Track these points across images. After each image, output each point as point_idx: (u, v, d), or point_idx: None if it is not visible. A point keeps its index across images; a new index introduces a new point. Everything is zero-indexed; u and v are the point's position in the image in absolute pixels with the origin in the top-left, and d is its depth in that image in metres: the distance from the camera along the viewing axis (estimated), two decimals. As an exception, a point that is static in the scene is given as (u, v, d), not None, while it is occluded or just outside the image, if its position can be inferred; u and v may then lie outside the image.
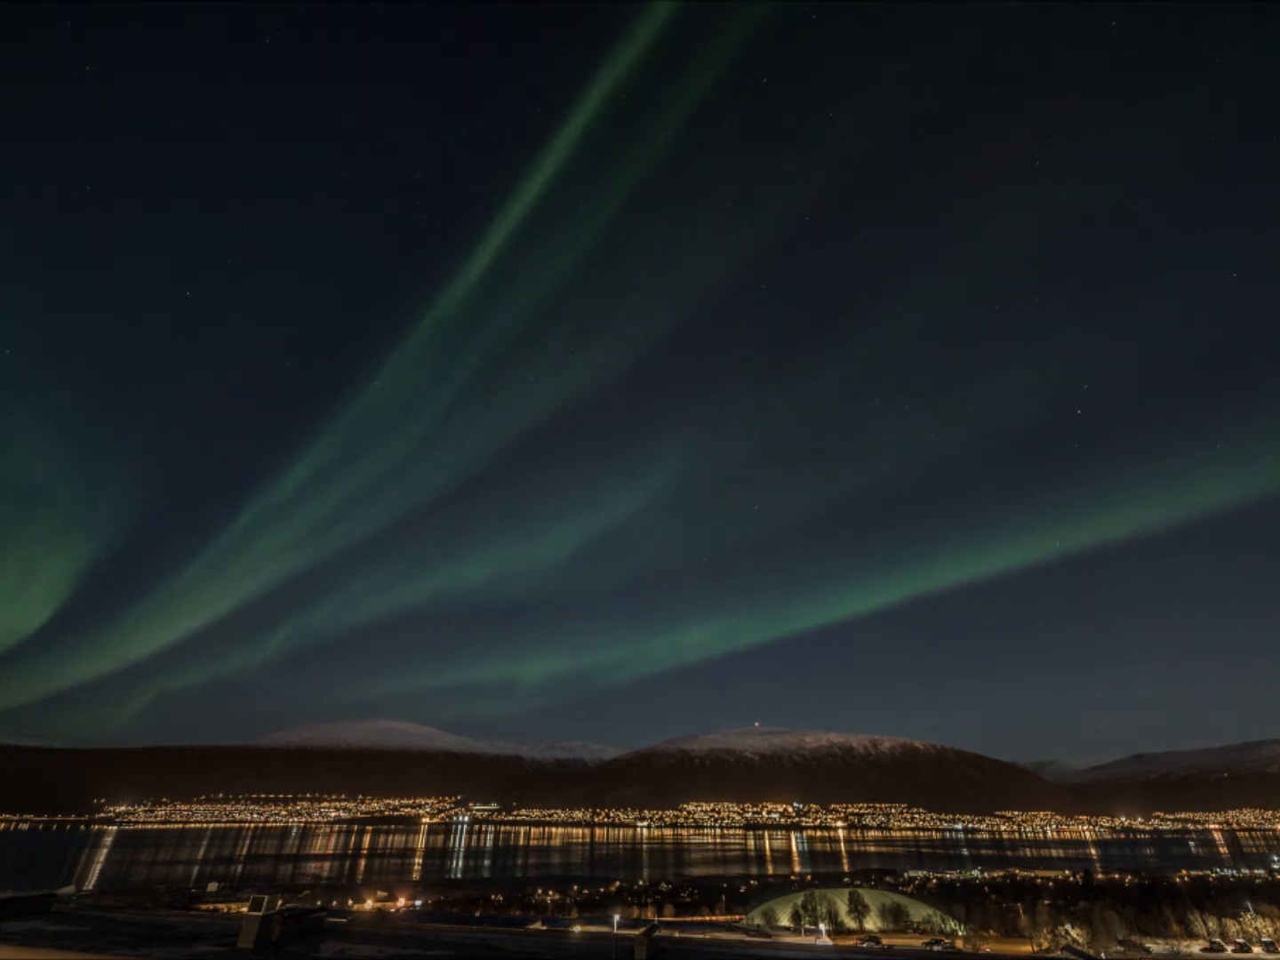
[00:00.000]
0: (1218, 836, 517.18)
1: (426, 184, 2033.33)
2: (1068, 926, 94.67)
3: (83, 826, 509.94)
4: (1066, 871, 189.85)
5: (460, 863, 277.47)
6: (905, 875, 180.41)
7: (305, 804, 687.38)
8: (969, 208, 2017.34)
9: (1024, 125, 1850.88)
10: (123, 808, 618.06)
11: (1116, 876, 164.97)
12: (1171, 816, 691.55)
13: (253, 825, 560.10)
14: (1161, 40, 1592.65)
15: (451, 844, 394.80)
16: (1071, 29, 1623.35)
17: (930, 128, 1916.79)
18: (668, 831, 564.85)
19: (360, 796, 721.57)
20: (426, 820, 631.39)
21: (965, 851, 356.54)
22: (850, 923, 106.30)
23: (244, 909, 25.84)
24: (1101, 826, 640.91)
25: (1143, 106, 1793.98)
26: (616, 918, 61.31)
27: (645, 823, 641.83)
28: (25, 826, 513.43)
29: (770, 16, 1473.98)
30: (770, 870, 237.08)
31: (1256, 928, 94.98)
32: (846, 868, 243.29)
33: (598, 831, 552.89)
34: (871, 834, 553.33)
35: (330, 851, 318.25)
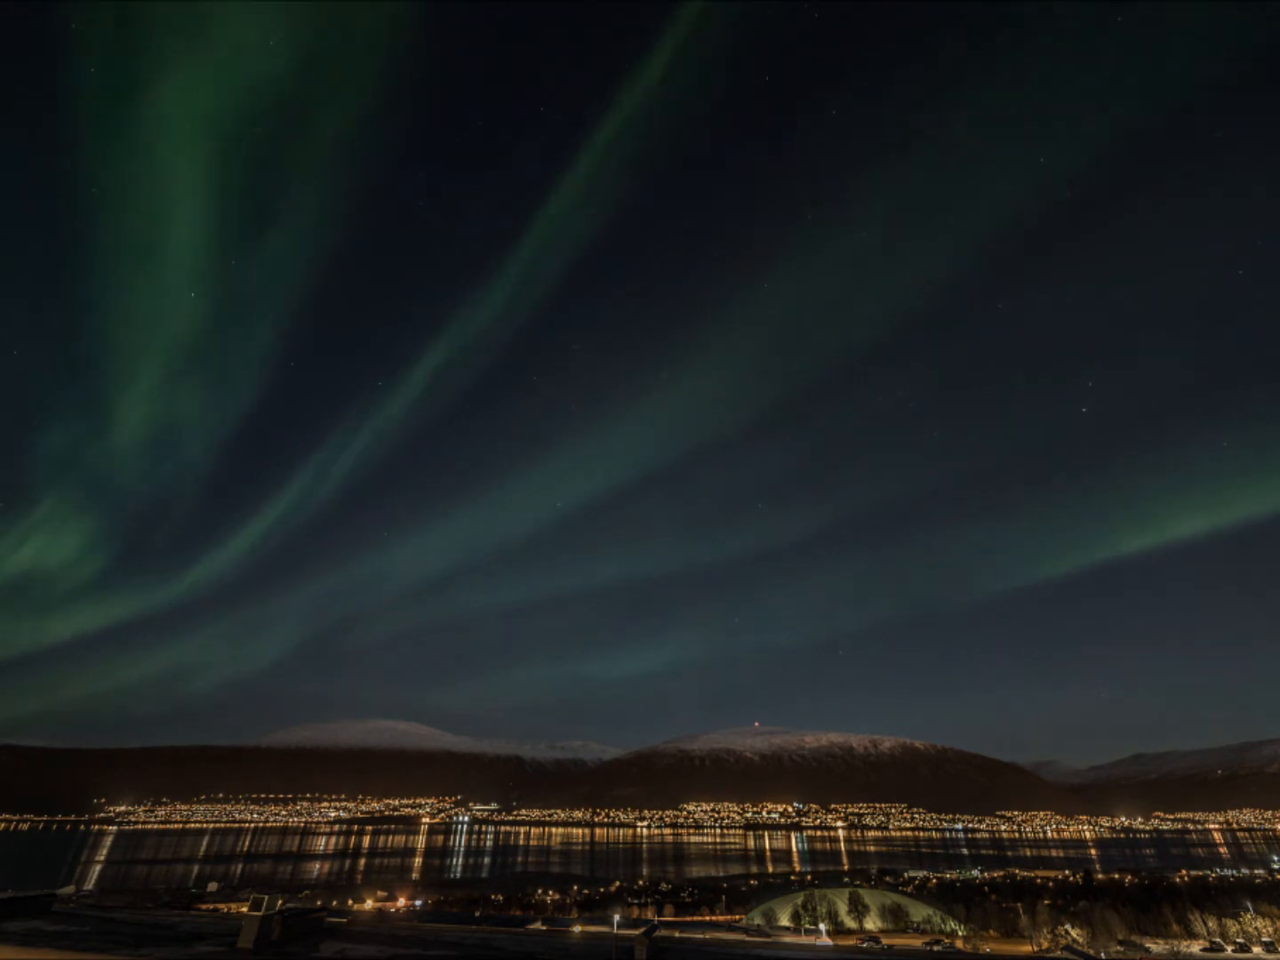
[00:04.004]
0: (1218, 836, 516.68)
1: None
2: (1068, 926, 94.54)
3: (83, 826, 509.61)
4: (1066, 871, 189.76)
5: (460, 863, 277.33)
6: (905, 875, 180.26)
7: (305, 804, 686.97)
8: (971, 200, 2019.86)
9: (1026, 119, 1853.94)
10: (123, 808, 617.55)
11: (1116, 876, 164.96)
12: (1171, 816, 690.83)
13: (253, 825, 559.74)
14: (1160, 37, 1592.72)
15: (451, 844, 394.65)
16: (1075, 26, 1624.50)
17: (930, 124, 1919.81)
18: (668, 831, 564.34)
19: (360, 796, 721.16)
20: (426, 820, 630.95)
21: (965, 851, 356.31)
22: (850, 923, 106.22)
23: (244, 909, 25.79)
24: (1101, 826, 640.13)
25: (1137, 93, 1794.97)
26: (616, 918, 61.33)
27: (645, 823, 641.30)
28: (25, 826, 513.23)
29: (775, 15, 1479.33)
30: (770, 870, 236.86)
31: (1256, 928, 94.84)
32: (846, 868, 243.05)
33: (598, 831, 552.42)
34: (871, 834, 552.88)
35: (330, 851, 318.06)
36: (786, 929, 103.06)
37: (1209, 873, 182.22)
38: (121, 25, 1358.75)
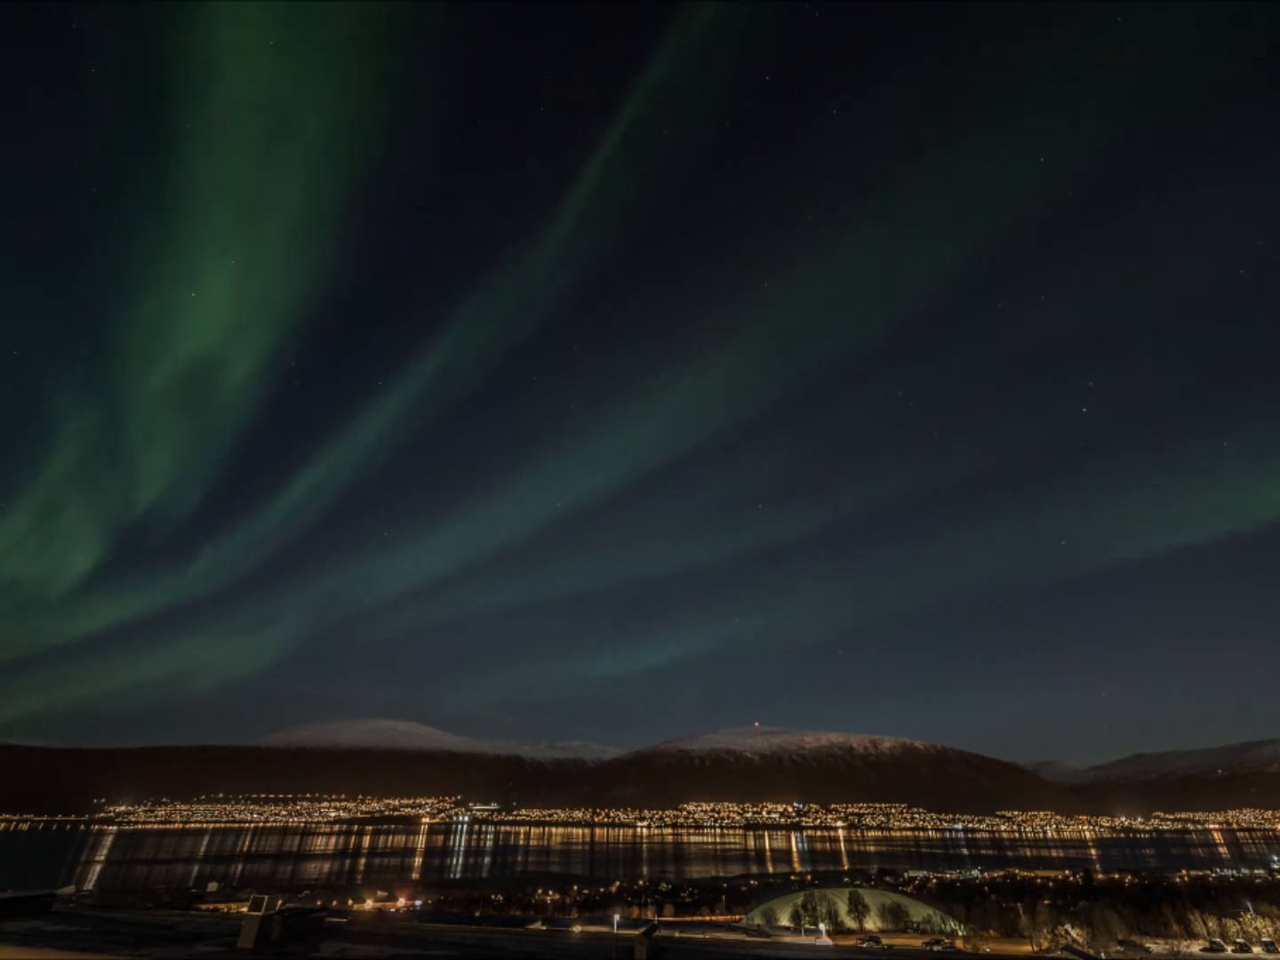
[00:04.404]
0: (1218, 836, 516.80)
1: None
2: (1068, 926, 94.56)
3: (83, 826, 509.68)
4: (1066, 871, 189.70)
5: (460, 863, 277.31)
6: (905, 875, 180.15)
7: (305, 804, 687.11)
8: (971, 200, 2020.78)
9: (1026, 119, 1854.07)
10: (123, 808, 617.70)
11: (1116, 876, 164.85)
12: (1171, 816, 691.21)
13: (253, 825, 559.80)
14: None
15: (451, 844, 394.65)
16: (1075, 26, 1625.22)
17: (930, 124, 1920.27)
18: (668, 831, 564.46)
19: (360, 796, 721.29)
20: (426, 820, 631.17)
21: (965, 851, 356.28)
22: (850, 923, 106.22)
23: (244, 909, 25.76)
24: (1101, 826, 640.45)
25: (1137, 93, 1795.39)
26: (616, 918, 61.31)
27: (645, 823, 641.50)
28: (25, 826, 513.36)
29: (776, 15, 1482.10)
30: (770, 870, 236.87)
31: (1256, 928, 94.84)
32: (846, 868, 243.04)
33: (598, 831, 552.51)
34: (871, 834, 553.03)
35: (330, 851, 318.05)
36: (786, 929, 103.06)
37: (1209, 873, 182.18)
38: (122, 27, 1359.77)
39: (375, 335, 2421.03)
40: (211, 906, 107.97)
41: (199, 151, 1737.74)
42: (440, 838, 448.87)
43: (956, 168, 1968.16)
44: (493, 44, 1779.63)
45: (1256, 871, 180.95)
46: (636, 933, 25.10)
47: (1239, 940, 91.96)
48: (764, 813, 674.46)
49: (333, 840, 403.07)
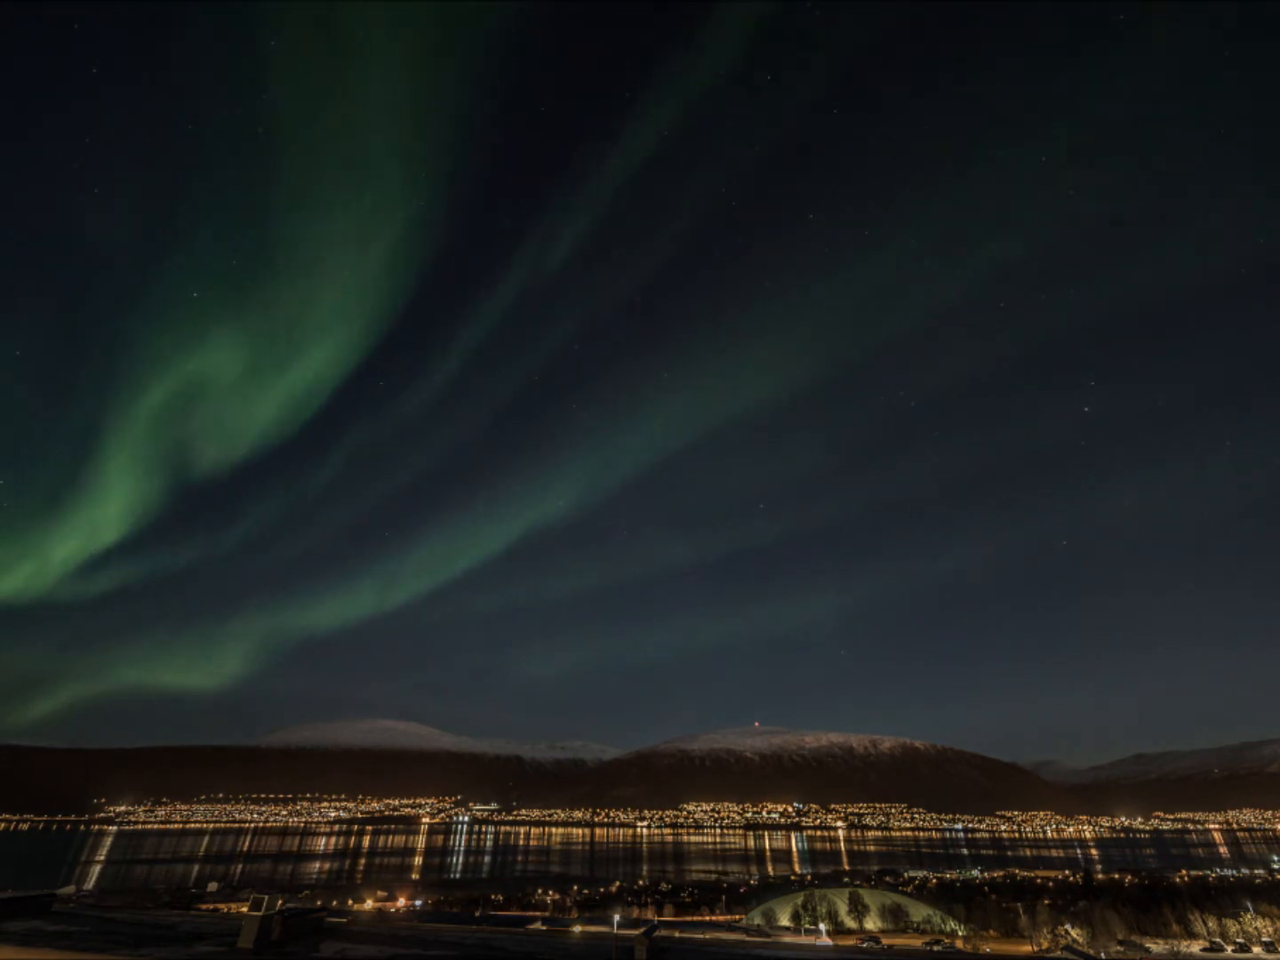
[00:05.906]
0: (1218, 836, 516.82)
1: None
2: (1068, 926, 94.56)
3: (83, 826, 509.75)
4: (1066, 871, 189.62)
5: (460, 863, 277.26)
6: (905, 875, 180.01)
7: (305, 804, 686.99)
8: (973, 203, 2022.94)
9: (1026, 121, 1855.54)
10: (123, 808, 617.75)
11: (1116, 876, 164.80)
12: (1171, 816, 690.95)
13: (253, 825, 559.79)
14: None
15: (451, 844, 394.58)
16: (1075, 25, 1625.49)
17: (929, 127, 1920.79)
18: (668, 831, 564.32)
19: (360, 796, 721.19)
20: (426, 820, 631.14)
21: (965, 851, 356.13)
22: (850, 923, 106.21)
23: (244, 909, 25.70)
24: (1101, 826, 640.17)
25: (1137, 95, 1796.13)
26: (616, 918, 61.37)
27: (645, 823, 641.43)
28: (25, 826, 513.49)
29: (774, 16, 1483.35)
30: (770, 870, 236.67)
31: (1256, 928, 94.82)
32: (846, 868, 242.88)
33: (598, 831, 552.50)
34: (871, 834, 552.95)
35: (330, 851, 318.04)
36: (786, 929, 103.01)
37: (1209, 873, 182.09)
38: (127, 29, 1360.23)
39: (376, 336, 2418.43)
40: (211, 906, 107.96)
41: (201, 160, 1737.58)
42: (440, 838, 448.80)
43: (960, 173, 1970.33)
44: (507, 59, 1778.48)
45: (1256, 871, 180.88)
46: (636, 933, 25.07)
47: (1239, 940, 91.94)
48: (764, 813, 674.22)
49: (333, 840, 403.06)
